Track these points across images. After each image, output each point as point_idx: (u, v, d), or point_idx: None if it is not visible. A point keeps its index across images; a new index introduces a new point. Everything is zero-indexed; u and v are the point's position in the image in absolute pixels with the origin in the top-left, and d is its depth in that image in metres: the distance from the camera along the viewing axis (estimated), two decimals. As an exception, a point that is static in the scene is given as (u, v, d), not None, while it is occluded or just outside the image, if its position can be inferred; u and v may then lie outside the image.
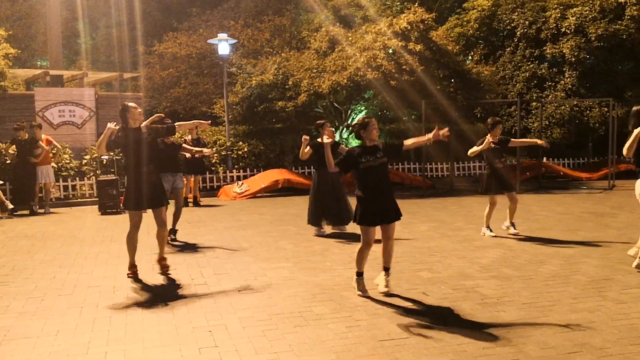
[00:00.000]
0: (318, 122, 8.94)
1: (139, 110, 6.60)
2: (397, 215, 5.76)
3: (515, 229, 8.92)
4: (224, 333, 4.72)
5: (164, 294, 5.92)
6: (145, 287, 6.25)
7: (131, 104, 6.58)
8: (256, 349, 4.36)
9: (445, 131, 6.00)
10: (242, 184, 15.27)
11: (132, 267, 6.64)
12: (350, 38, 17.17)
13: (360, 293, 5.71)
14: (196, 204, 13.42)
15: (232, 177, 16.35)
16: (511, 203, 8.86)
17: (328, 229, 9.30)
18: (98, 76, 20.14)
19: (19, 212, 12.36)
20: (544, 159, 19.23)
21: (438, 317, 5.03)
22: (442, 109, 16.64)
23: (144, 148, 6.50)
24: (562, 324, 4.78)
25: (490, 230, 8.86)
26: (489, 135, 8.64)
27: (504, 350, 4.24)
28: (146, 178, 6.53)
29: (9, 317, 5.24)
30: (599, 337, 4.45)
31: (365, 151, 5.67)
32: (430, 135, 5.93)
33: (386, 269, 5.86)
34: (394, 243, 5.88)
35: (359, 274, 5.80)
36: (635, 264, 6.54)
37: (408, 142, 5.99)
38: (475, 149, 8.56)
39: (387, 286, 5.79)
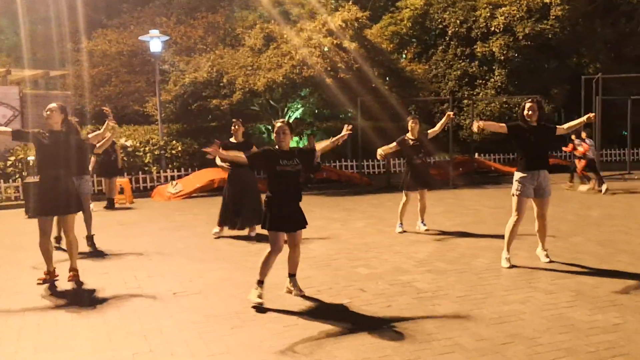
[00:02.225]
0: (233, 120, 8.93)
1: (56, 112, 6.22)
2: (304, 223, 5.58)
3: (425, 225, 9.03)
4: (159, 337, 4.59)
5: (95, 299, 5.72)
6: (75, 292, 6.01)
7: (51, 106, 6.29)
8: (193, 352, 4.26)
9: (348, 128, 6.20)
10: (177, 183, 14.98)
11: (49, 274, 6.36)
12: (285, 35, 17.13)
13: (257, 302, 5.30)
14: (111, 206, 12.89)
15: (166, 177, 16.01)
16: (422, 200, 8.94)
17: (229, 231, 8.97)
18: (22, 74, 19.30)
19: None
20: (476, 155, 19.76)
21: (375, 313, 5.06)
22: (377, 107, 16.83)
23: (60, 151, 6.22)
24: (495, 315, 4.90)
25: (401, 225, 8.97)
26: (408, 133, 8.83)
27: (440, 343, 4.30)
28: (59, 183, 6.23)
29: None
30: (530, 328, 4.58)
31: (284, 155, 5.43)
32: (339, 137, 6.00)
33: (291, 275, 5.74)
34: (300, 251, 5.74)
35: (260, 282, 5.41)
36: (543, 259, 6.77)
37: (319, 146, 5.84)
38: (385, 148, 8.69)
39: (291, 291, 5.69)
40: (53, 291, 6.07)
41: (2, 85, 17.34)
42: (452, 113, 9.19)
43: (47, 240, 6.28)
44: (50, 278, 6.35)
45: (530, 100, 6.62)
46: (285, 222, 5.43)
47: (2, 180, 14.01)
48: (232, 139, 8.69)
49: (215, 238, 8.76)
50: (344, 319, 4.93)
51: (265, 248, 5.39)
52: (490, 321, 4.76)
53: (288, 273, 5.75)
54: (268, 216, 5.39)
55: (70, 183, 6.36)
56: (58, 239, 8.21)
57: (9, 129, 6.33)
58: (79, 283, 6.31)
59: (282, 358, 4.13)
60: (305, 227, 5.58)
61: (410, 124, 8.86)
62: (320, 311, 5.16)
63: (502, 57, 20.33)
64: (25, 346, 4.47)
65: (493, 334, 4.47)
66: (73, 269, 6.39)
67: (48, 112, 6.21)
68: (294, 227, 5.51)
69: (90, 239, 8.35)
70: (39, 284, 6.28)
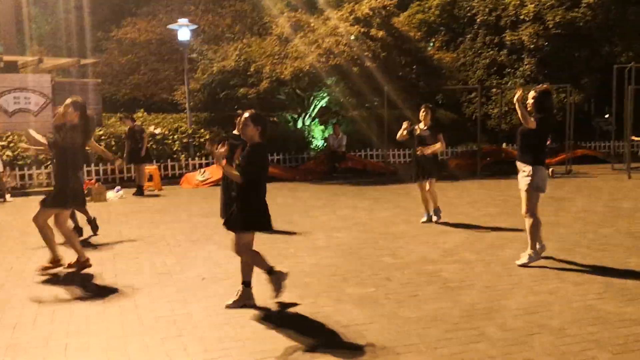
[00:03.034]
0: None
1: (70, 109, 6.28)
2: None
3: (434, 216, 8.89)
4: (188, 322, 4.67)
5: (126, 284, 5.82)
6: (107, 277, 6.13)
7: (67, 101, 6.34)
8: (221, 337, 4.33)
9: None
10: (205, 171, 15.12)
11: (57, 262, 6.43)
12: (312, 24, 17.10)
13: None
14: (140, 193, 13.07)
15: (194, 164, 16.17)
16: (425, 191, 8.83)
17: None
18: (54, 62, 19.63)
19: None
20: (504, 145, 19.56)
21: (402, 302, 5.08)
22: (404, 96, 16.74)
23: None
24: (522, 306, 4.88)
25: (427, 215, 8.91)
26: (421, 123, 8.76)
27: (465, 333, 4.31)
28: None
29: (-36, 311, 5.09)
30: (558, 319, 4.56)
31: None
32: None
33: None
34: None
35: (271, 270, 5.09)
36: (520, 262, 6.29)
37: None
38: (398, 134, 8.66)
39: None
40: (85, 276, 6.20)
41: (34, 74, 17.66)
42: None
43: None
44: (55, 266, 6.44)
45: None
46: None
47: (34, 167, 14.29)
48: (235, 131, 8.40)
49: None
50: (369, 307, 4.95)
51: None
52: (517, 312, 4.75)
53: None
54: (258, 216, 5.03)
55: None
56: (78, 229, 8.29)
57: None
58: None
59: (307, 345, 4.17)
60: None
61: (420, 112, 8.75)
62: (346, 299, 5.19)
63: (532, 46, 20.03)
64: (59, 329, 4.58)
65: (520, 325, 4.45)
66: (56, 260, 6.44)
67: (64, 109, 6.28)
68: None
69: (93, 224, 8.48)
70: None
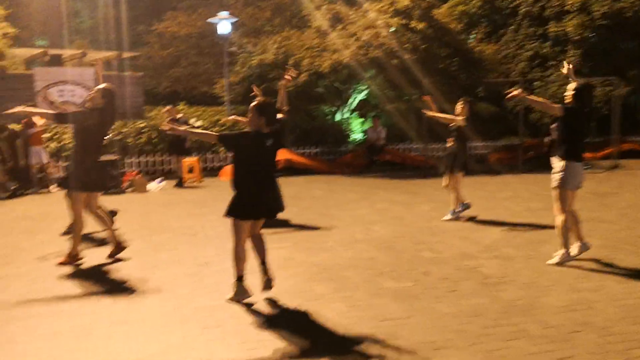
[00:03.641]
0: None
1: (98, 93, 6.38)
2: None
3: (451, 214, 8.74)
4: (226, 313, 4.72)
5: (166, 275, 5.92)
6: (146, 267, 6.24)
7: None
8: (258, 328, 4.36)
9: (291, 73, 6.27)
10: (244, 164, 15.21)
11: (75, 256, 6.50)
12: (352, 16, 17.01)
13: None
14: (180, 184, 13.24)
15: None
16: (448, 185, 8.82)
17: None
18: (97, 55, 20.01)
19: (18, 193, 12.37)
20: (546, 138, 19.16)
21: (439, 297, 5.02)
22: (444, 88, 16.52)
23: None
24: (564, 303, 4.78)
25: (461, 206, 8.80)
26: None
27: (504, 329, 4.24)
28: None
29: (11, 297, 5.24)
30: (601, 317, 4.45)
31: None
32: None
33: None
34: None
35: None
36: (552, 261, 6.09)
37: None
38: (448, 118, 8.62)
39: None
40: (126, 264, 6.32)
41: (78, 67, 18.05)
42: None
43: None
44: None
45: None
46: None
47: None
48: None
49: None
50: (407, 301, 4.92)
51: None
52: (559, 309, 4.65)
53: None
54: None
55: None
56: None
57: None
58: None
59: (345, 337, 4.17)
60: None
61: (458, 105, 8.62)
62: (383, 293, 5.16)
63: (577, 37, 19.52)
64: (101, 319, 4.68)
65: (561, 322, 4.36)
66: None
67: (93, 93, 6.38)
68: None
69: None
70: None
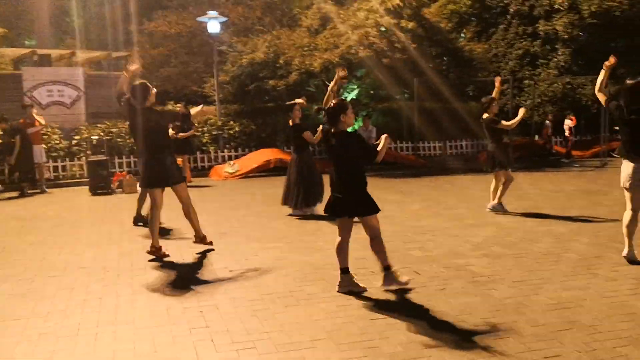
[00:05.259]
0: (288, 103, 9.05)
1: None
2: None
3: (492, 208, 9.02)
4: (215, 313, 4.70)
5: (154, 275, 5.89)
6: (135, 268, 6.21)
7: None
8: (247, 329, 4.34)
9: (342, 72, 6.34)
10: (234, 163, 15.20)
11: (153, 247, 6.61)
12: (342, 15, 17.01)
13: (341, 290, 5.18)
14: None
15: (223, 157, 16.26)
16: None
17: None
18: (87, 55, 19.94)
19: (6, 195, 12.29)
20: (536, 137, 19.26)
21: (429, 296, 5.02)
22: (434, 87, 16.58)
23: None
24: (553, 301, 4.79)
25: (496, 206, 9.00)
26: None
27: (494, 328, 4.24)
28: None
29: (-2, 299, 5.21)
30: (589, 315, 4.46)
31: None
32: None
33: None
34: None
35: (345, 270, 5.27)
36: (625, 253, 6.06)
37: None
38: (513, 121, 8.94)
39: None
40: (114, 266, 6.29)
41: (68, 67, 17.95)
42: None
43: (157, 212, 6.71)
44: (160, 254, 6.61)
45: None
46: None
47: (67, 159, 14.54)
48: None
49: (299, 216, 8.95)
50: (397, 301, 4.92)
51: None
52: (548, 307, 4.66)
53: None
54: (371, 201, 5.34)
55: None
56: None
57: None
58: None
59: (335, 337, 4.16)
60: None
61: (493, 105, 8.93)
62: (373, 293, 5.16)
63: (567, 36, 19.61)
64: (89, 319, 4.65)
65: (550, 320, 4.37)
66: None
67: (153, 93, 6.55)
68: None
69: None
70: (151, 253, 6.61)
